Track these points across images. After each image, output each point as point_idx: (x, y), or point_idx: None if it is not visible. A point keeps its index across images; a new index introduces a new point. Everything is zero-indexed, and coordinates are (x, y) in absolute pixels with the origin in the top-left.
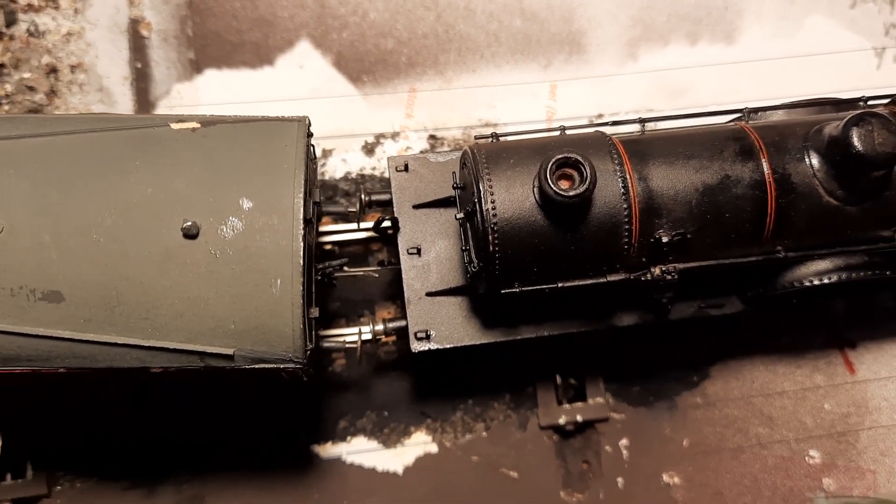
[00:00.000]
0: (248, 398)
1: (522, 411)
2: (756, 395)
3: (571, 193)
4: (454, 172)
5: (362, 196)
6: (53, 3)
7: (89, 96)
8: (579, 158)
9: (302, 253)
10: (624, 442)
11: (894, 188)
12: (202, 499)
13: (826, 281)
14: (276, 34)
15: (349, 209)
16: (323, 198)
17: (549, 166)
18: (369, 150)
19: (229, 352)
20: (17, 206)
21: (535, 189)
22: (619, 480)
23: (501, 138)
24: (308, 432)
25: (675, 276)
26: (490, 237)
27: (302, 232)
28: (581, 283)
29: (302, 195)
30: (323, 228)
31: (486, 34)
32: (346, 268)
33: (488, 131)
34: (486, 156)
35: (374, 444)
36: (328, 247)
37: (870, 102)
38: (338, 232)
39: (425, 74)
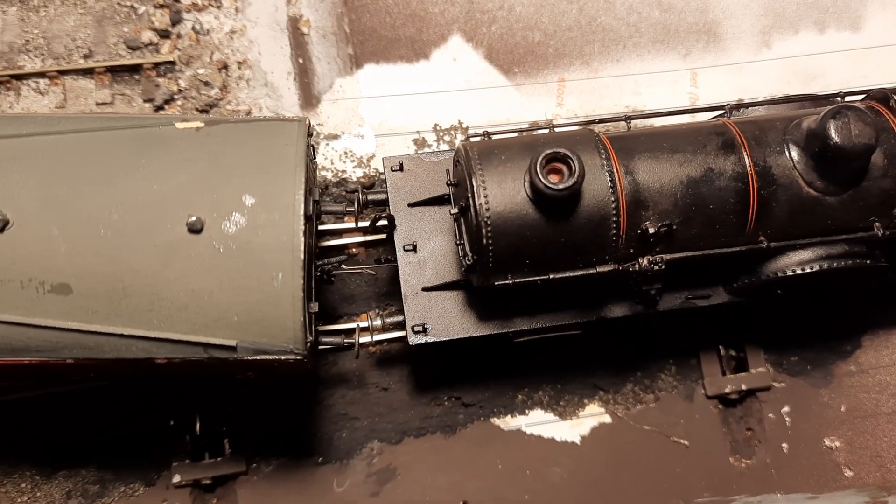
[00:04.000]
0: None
1: (688, 382)
2: None
3: (561, 187)
4: (448, 170)
5: (359, 195)
6: (216, 1)
7: (256, 91)
8: (568, 153)
9: (302, 248)
10: (786, 409)
11: (871, 179)
12: (393, 471)
13: (808, 270)
14: (428, 29)
15: (347, 209)
16: (325, 196)
17: (540, 161)
18: None
19: (232, 343)
20: (26, 201)
21: (527, 184)
22: (784, 446)
23: (493, 136)
24: (489, 406)
25: (662, 267)
26: (483, 230)
27: (303, 227)
28: (572, 274)
29: (302, 192)
30: (322, 228)
31: (626, 25)
32: (343, 265)
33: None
34: (478, 153)
35: (550, 416)
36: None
37: (847, 98)
38: (335, 232)
39: (572, 65)
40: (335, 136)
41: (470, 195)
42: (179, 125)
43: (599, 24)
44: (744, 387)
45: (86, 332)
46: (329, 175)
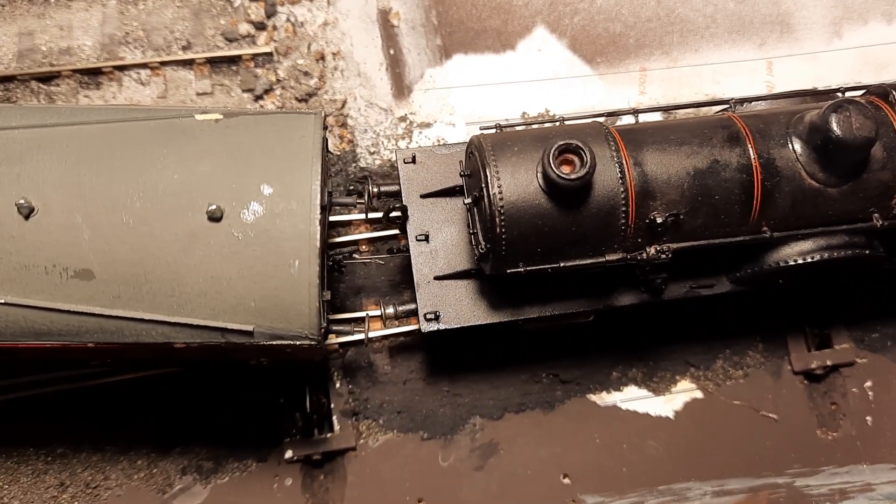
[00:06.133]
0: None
1: (774, 359)
2: None
3: (573, 177)
4: (461, 161)
5: (371, 187)
6: None
7: (350, 81)
8: (580, 144)
9: (319, 236)
10: (868, 384)
11: (871, 171)
12: (495, 446)
13: (809, 260)
14: (513, 21)
15: (358, 201)
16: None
17: (552, 152)
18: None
19: (249, 328)
20: (51, 188)
21: (539, 174)
22: (868, 419)
23: (505, 129)
24: (586, 383)
25: (669, 255)
26: (497, 219)
27: (319, 216)
28: (581, 262)
29: (319, 182)
30: (333, 219)
31: (703, 17)
32: (355, 255)
33: (715, 106)
34: (491, 144)
35: (644, 391)
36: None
37: (847, 93)
38: (347, 223)
39: (653, 55)
40: (428, 125)
41: (484, 185)
42: (199, 117)
43: (677, 16)
44: (829, 362)
45: (107, 316)
46: None
